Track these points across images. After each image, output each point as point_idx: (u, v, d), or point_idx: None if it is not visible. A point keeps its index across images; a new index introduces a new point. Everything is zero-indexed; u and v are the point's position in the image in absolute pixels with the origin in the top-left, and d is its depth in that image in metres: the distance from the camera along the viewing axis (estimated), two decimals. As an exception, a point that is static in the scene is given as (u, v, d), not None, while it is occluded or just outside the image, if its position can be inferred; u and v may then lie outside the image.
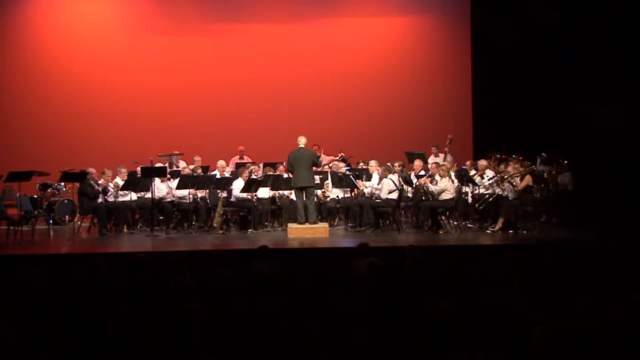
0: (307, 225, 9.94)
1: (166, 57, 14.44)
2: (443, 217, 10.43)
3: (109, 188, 10.56)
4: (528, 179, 10.21)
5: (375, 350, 3.72)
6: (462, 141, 13.78)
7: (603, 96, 12.48)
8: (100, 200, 10.47)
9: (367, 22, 14.82)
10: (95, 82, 14.28)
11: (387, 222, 10.70)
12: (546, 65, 13.20)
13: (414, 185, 10.87)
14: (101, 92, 14.26)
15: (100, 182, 10.58)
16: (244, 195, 10.52)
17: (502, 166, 10.82)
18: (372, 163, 11.13)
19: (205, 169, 11.68)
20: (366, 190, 10.73)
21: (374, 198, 10.46)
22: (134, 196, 10.72)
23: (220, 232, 10.43)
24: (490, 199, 10.42)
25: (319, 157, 11.94)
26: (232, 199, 10.65)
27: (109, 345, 3.77)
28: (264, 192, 10.78)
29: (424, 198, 10.46)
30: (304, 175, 10.07)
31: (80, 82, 14.28)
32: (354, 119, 14.51)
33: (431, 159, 12.21)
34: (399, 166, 10.75)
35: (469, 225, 10.84)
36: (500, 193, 10.39)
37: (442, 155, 12.46)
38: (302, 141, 10.27)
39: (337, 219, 11.29)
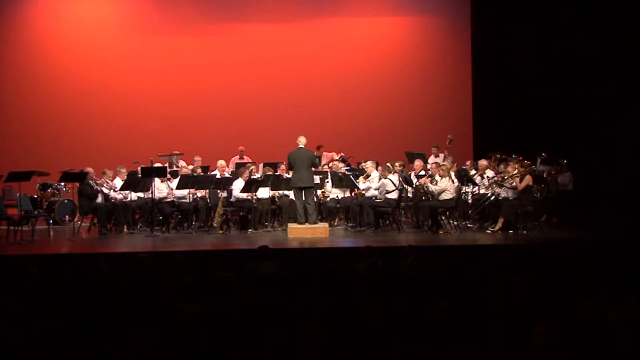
0: (307, 225, 9.94)
1: (166, 57, 14.42)
2: (443, 217, 10.43)
3: (106, 187, 10.53)
4: (528, 179, 10.20)
5: (375, 351, 3.71)
6: (462, 141, 13.76)
7: (604, 96, 12.49)
8: (100, 200, 10.46)
9: (367, 22, 14.81)
10: (95, 82, 14.27)
11: (387, 222, 10.70)
12: (546, 65, 13.20)
13: (414, 185, 10.87)
14: (101, 92, 14.23)
15: (99, 181, 10.57)
16: (244, 195, 10.51)
17: (502, 166, 10.81)
18: (368, 164, 11.12)
19: (205, 169, 11.68)
20: (362, 186, 10.71)
21: (373, 198, 10.45)
22: (134, 196, 10.72)
23: (220, 232, 10.43)
24: (488, 202, 10.42)
25: (319, 157, 11.94)
26: (232, 199, 10.65)
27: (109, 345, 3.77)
28: (263, 192, 10.77)
29: (424, 198, 10.45)
30: (303, 175, 10.06)
31: (81, 82, 14.27)
32: (354, 119, 14.50)
33: (431, 159, 12.21)
34: (400, 166, 10.75)
35: (469, 225, 10.84)
36: (500, 193, 10.38)
37: (442, 155, 12.46)
38: (301, 141, 10.25)
39: (337, 219, 11.29)
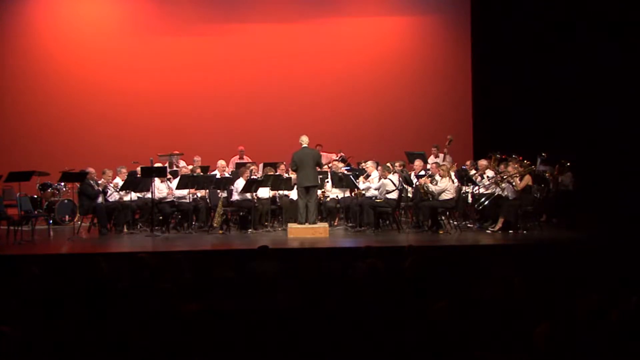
0: (307, 225, 9.93)
1: (166, 57, 14.42)
2: (443, 217, 10.43)
3: (109, 188, 10.55)
4: (528, 179, 10.21)
5: (375, 351, 3.71)
6: (462, 141, 13.77)
7: (603, 95, 12.48)
8: (100, 200, 10.47)
9: (367, 22, 14.81)
10: (95, 82, 14.26)
11: (387, 222, 10.70)
12: (546, 65, 13.19)
13: (414, 185, 10.87)
14: (101, 92, 14.23)
15: (100, 182, 10.58)
16: (244, 195, 10.51)
17: (502, 166, 10.81)
18: (368, 164, 11.12)
19: (205, 169, 11.68)
20: (362, 186, 10.70)
21: (373, 198, 10.45)
22: (134, 196, 10.72)
23: (220, 232, 10.43)
24: (489, 200, 10.42)
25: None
26: (232, 199, 10.65)
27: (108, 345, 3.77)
28: (264, 192, 10.77)
29: (424, 198, 10.46)
30: (309, 174, 10.03)
31: (80, 82, 14.26)
32: (354, 119, 14.49)
33: (431, 159, 12.22)
34: (400, 166, 10.75)
35: (469, 225, 10.84)
36: (500, 193, 10.39)
37: (442, 156, 12.47)
38: (304, 140, 10.25)
39: (337, 219, 11.29)
